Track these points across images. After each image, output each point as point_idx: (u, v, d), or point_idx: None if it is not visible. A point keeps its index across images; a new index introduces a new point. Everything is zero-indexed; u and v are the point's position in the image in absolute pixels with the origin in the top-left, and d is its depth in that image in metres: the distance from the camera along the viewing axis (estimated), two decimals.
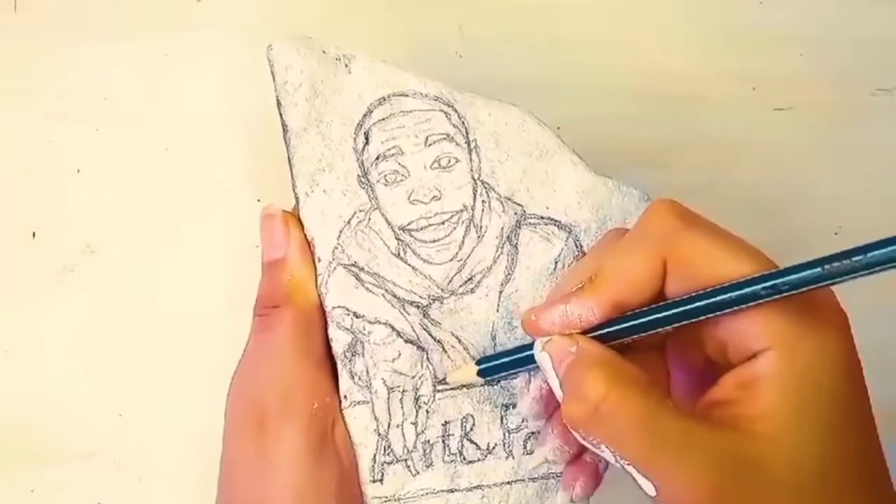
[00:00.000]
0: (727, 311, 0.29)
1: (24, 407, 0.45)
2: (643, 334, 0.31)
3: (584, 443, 0.30)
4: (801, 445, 0.28)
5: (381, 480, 0.35)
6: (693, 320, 0.30)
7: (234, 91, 0.46)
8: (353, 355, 0.36)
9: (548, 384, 0.32)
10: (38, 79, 0.46)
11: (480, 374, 0.35)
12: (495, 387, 0.37)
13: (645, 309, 0.31)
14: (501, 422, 0.36)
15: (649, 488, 0.29)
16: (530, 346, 0.33)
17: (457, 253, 0.36)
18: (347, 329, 0.36)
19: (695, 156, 0.48)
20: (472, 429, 0.36)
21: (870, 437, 0.30)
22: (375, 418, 0.35)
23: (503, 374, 0.35)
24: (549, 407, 0.35)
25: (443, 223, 0.36)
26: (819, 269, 0.27)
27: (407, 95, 0.37)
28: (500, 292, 0.37)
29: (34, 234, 0.46)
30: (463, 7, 0.48)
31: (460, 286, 0.37)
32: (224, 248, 0.44)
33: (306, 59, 0.36)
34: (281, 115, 0.36)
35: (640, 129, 0.47)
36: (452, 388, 0.36)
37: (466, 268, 0.37)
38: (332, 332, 0.36)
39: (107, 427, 0.45)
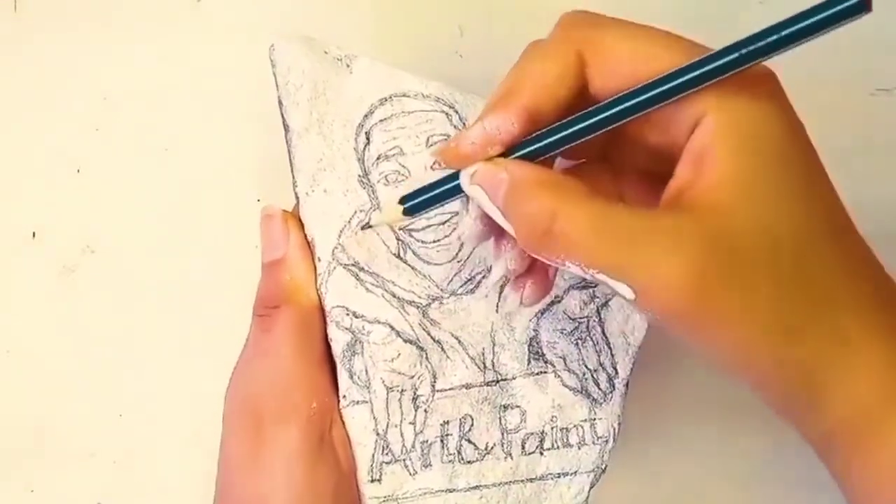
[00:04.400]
0: (656, 106, 0.28)
1: (24, 407, 0.45)
2: (574, 143, 0.30)
3: (550, 262, 0.29)
4: (764, 205, 0.27)
5: (379, 480, 0.35)
6: (621, 121, 0.29)
7: (234, 91, 0.46)
8: (352, 355, 0.36)
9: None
10: (38, 79, 0.46)
11: (406, 212, 0.33)
12: (494, 387, 0.37)
13: (575, 116, 0.29)
14: (500, 422, 0.36)
15: (626, 291, 0.27)
16: (454, 177, 0.31)
17: (457, 254, 0.37)
18: (347, 329, 0.36)
19: None
20: (470, 429, 0.36)
21: (828, 193, 0.29)
22: (374, 418, 0.35)
23: (431, 207, 0.33)
24: (493, 227, 0.32)
25: (443, 223, 0.36)
26: (737, 54, 0.27)
27: (408, 96, 0.37)
28: (500, 293, 0.37)
29: (34, 234, 0.45)
30: (463, 7, 0.48)
31: (460, 287, 0.37)
32: (224, 248, 0.44)
33: (308, 59, 0.36)
34: (283, 115, 0.36)
35: None
36: (452, 389, 0.36)
37: (466, 268, 0.37)
38: (332, 331, 0.36)
39: (107, 427, 0.44)
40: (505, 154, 0.30)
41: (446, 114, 0.37)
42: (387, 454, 0.35)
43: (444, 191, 0.32)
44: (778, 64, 0.49)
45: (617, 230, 0.27)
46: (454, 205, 0.36)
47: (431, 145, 0.37)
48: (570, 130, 0.29)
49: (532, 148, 0.30)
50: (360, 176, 0.37)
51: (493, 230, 0.33)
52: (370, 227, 0.36)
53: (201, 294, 0.45)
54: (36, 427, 0.44)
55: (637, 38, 0.30)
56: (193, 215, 0.46)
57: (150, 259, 0.45)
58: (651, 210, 0.28)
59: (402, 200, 0.33)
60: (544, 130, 0.30)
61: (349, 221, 0.36)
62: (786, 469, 0.45)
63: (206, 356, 0.42)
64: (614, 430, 0.37)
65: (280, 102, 0.36)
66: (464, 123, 0.37)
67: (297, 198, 0.37)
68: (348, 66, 0.37)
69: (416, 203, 0.33)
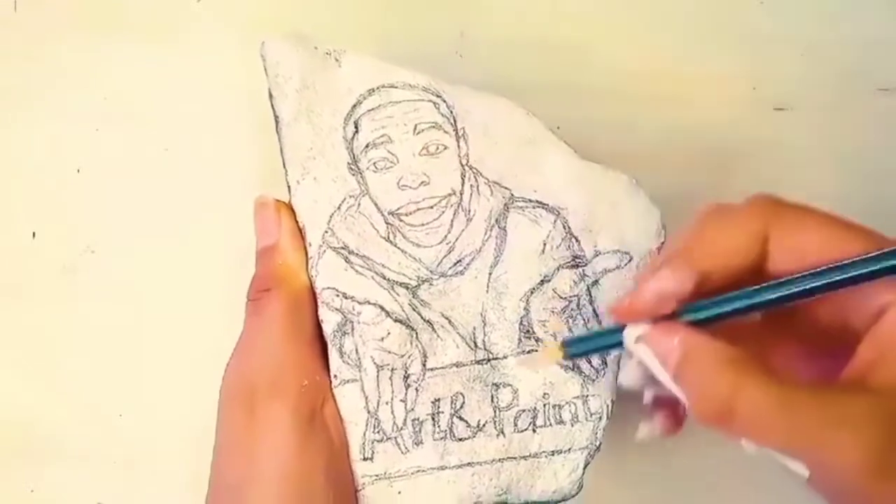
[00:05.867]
0: (847, 287, 0.29)
1: (24, 407, 0.45)
2: (749, 313, 0.31)
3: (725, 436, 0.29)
4: None
5: (371, 458, 0.36)
6: (809, 298, 0.30)
7: (234, 90, 0.46)
8: (342, 335, 0.36)
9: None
10: (38, 78, 0.46)
11: (567, 355, 0.34)
12: (485, 365, 0.37)
13: (761, 286, 0.31)
14: (492, 400, 0.37)
15: (801, 470, 0.28)
16: (619, 330, 0.32)
17: (446, 236, 0.37)
18: (337, 310, 0.36)
19: (694, 156, 0.48)
20: (461, 406, 0.36)
21: None
22: (365, 396, 0.36)
23: (592, 353, 0.35)
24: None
25: (431, 207, 0.37)
26: None
27: (396, 87, 0.38)
28: (490, 274, 0.37)
29: (34, 234, 0.46)
30: (464, 7, 0.48)
31: (449, 268, 0.37)
32: (224, 247, 0.45)
33: (297, 53, 0.37)
34: (273, 106, 0.37)
35: (639, 129, 0.47)
36: (443, 368, 0.37)
37: (455, 250, 0.37)
38: (322, 313, 0.36)
39: (107, 427, 0.44)
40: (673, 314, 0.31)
41: (434, 103, 0.38)
42: (378, 432, 0.36)
43: (607, 343, 0.33)
44: (778, 66, 0.49)
45: (799, 413, 0.28)
46: (446, 188, 0.37)
47: (419, 133, 0.37)
48: (753, 301, 0.31)
49: (710, 314, 0.31)
50: (349, 163, 0.37)
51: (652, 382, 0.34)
52: (524, 365, 0.37)
53: (201, 294, 0.45)
54: (36, 427, 0.44)
55: (826, 224, 0.31)
56: (193, 215, 0.46)
57: (151, 259, 0.45)
58: (829, 391, 0.29)
59: (565, 344, 0.34)
60: (724, 297, 0.31)
61: (339, 207, 0.37)
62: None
63: (206, 356, 0.42)
64: (608, 407, 0.37)
65: (270, 95, 0.37)
66: (451, 111, 0.38)
67: (289, 187, 0.37)
68: (337, 59, 0.38)
69: (579, 349, 0.34)
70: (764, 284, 0.31)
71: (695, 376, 0.30)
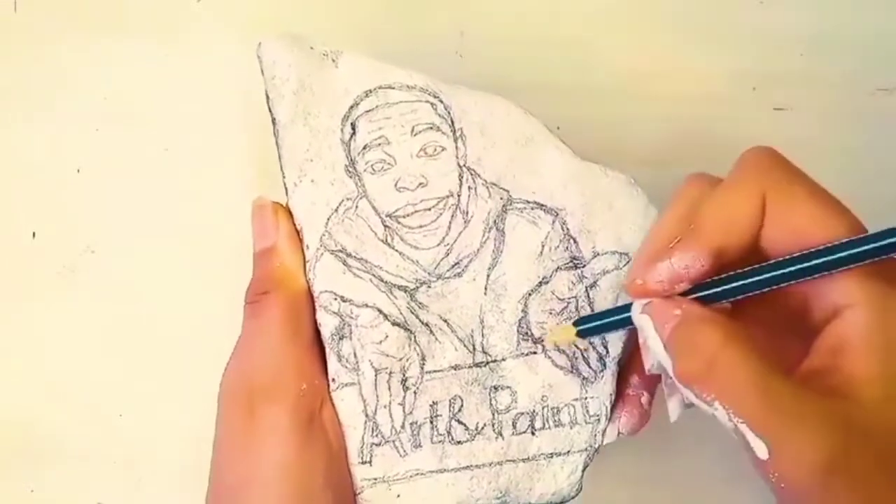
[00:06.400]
0: (833, 271, 0.29)
1: (24, 407, 0.45)
2: (744, 295, 0.31)
3: (696, 401, 0.30)
4: None
5: (369, 462, 0.36)
6: (798, 280, 0.30)
7: (234, 90, 0.46)
8: (340, 338, 0.36)
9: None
10: (38, 78, 0.46)
11: (579, 334, 0.36)
12: (483, 368, 0.37)
13: (749, 269, 0.31)
14: (490, 403, 0.37)
15: (761, 450, 0.28)
16: (627, 308, 0.33)
17: (443, 238, 0.37)
18: (335, 313, 0.36)
19: (695, 156, 0.48)
20: (459, 409, 0.36)
21: None
22: (363, 399, 0.36)
23: (602, 332, 0.36)
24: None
25: (429, 209, 0.37)
26: None
27: (393, 88, 0.38)
28: (488, 276, 0.37)
29: (34, 234, 0.46)
30: (463, 7, 0.48)
31: (447, 270, 0.37)
32: (224, 248, 0.44)
33: (294, 54, 0.37)
34: (270, 108, 0.37)
35: (639, 129, 0.47)
36: (441, 370, 0.37)
37: (453, 252, 0.37)
38: (320, 316, 0.36)
39: (107, 427, 0.45)
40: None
41: (431, 104, 0.38)
42: (376, 436, 0.36)
43: (616, 320, 0.35)
44: (778, 65, 0.49)
45: (773, 392, 0.28)
46: (444, 190, 0.37)
47: (416, 134, 0.37)
48: (749, 280, 0.31)
49: (709, 292, 0.32)
50: (346, 165, 0.37)
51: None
52: (541, 342, 0.37)
53: (201, 294, 0.45)
54: (36, 427, 0.45)
55: (816, 201, 0.31)
56: (193, 215, 0.46)
57: (151, 259, 0.46)
58: (800, 386, 0.29)
59: (577, 323, 0.36)
60: (722, 277, 0.31)
61: (336, 209, 0.37)
62: None
63: (206, 356, 0.42)
64: (606, 408, 0.37)
65: (267, 97, 0.37)
66: (448, 112, 0.38)
67: (286, 189, 0.37)
68: (334, 60, 0.38)
69: (589, 328, 0.36)
70: (762, 265, 0.31)
71: (685, 335, 0.30)
